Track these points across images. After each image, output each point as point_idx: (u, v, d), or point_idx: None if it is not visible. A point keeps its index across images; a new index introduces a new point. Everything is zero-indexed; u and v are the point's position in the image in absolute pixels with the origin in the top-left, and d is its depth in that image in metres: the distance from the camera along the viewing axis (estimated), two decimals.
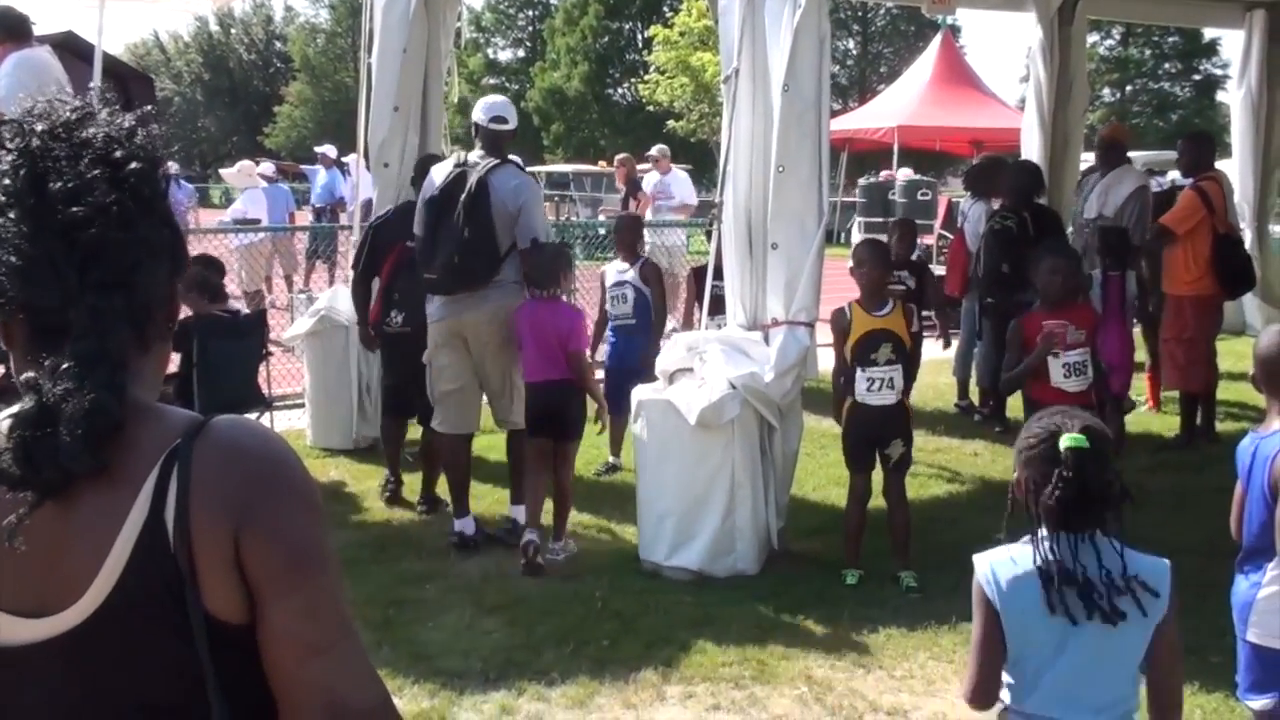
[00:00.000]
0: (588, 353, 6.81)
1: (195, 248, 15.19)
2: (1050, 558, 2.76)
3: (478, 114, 6.69)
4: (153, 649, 1.33)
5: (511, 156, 6.80)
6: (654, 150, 15.02)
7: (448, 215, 6.37)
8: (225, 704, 1.33)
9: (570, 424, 6.44)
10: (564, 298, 6.57)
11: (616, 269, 8.13)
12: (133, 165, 1.38)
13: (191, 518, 1.31)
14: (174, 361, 7.60)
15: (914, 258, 9.00)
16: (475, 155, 6.60)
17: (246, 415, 7.67)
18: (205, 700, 1.33)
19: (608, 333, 8.16)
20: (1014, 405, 8.48)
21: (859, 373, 5.96)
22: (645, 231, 8.92)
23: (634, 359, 7.71)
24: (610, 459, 8.18)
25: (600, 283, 8.26)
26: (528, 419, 6.53)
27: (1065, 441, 2.78)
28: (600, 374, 7.59)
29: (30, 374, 1.30)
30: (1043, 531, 2.79)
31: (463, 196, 6.33)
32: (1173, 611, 2.83)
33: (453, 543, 6.61)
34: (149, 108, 1.50)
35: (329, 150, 18.29)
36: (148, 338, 1.43)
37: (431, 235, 6.44)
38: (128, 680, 1.33)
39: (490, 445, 8.00)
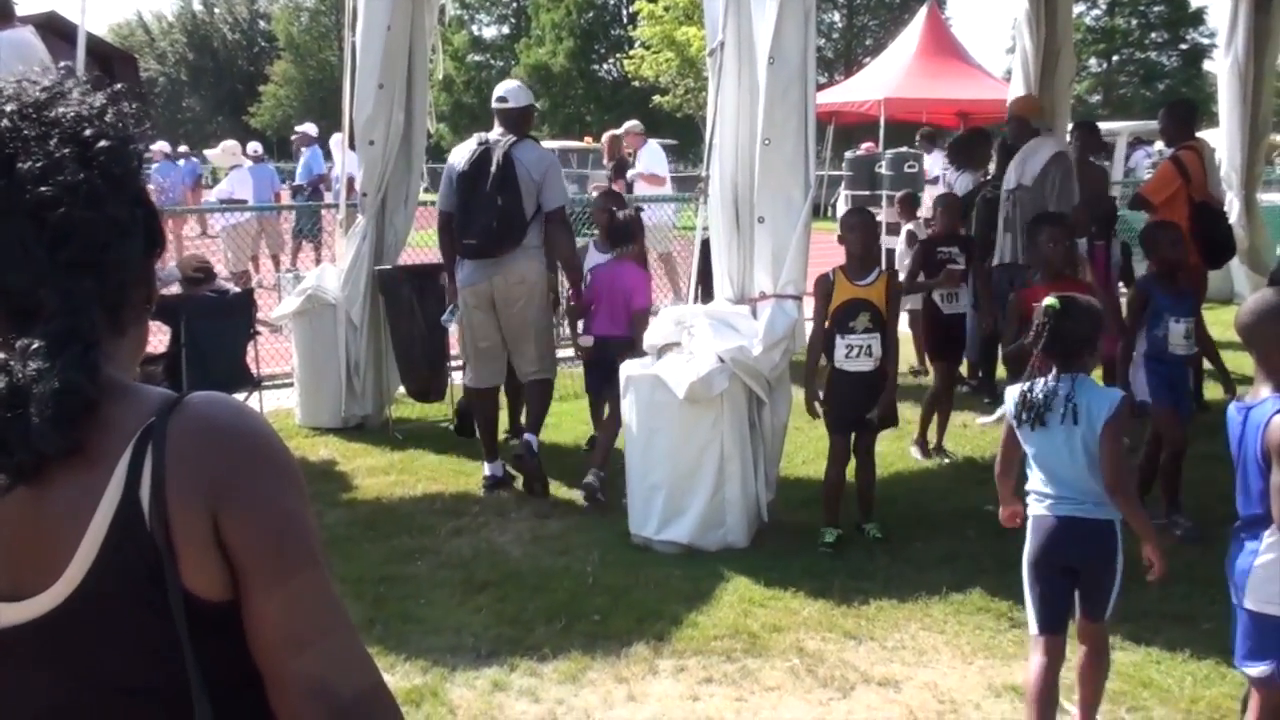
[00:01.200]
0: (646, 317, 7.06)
1: (183, 226, 15.18)
2: (1026, 388, 4.01)
3: (494, 99, 7.34)
4: (132, 630, 1.31)
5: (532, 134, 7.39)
6: (626, 126, 14.94)
7: (480, 187, 6.95)
8: (204, 683, 1.31)
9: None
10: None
11: (597, 252, 7.88)
12: (102, 143, 1.36)
13: (167, 496, 1.29)
14: (163, 342, 7.59)
15: (962, 233, 8.53)
16: (495, 134, 7.12)
17: (231, 394, 7.70)
18: (187, 680, 1.31)
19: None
20: (1003, 375, 8.50)
21: (838, 339, 6.07)
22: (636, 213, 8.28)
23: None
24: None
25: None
26: (585, 370, 7.69)
27: (1044, 302, 4.03)
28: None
29: (0, 355, 1.28)
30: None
31: (492, 169, 6.91)
32: (1114, 427, 3.86)
33: (486, 486, 7.22)
34: (123, 86, 1.47)
35: (309, 129, 18.23)
36: (122, 319, 1.41)
37: (465, 205, 7.02)
38: (108, 662, 1.32)
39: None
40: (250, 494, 1.33)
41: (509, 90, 7.33)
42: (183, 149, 23.09)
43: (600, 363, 7.21)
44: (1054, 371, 3.96)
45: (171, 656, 1.30)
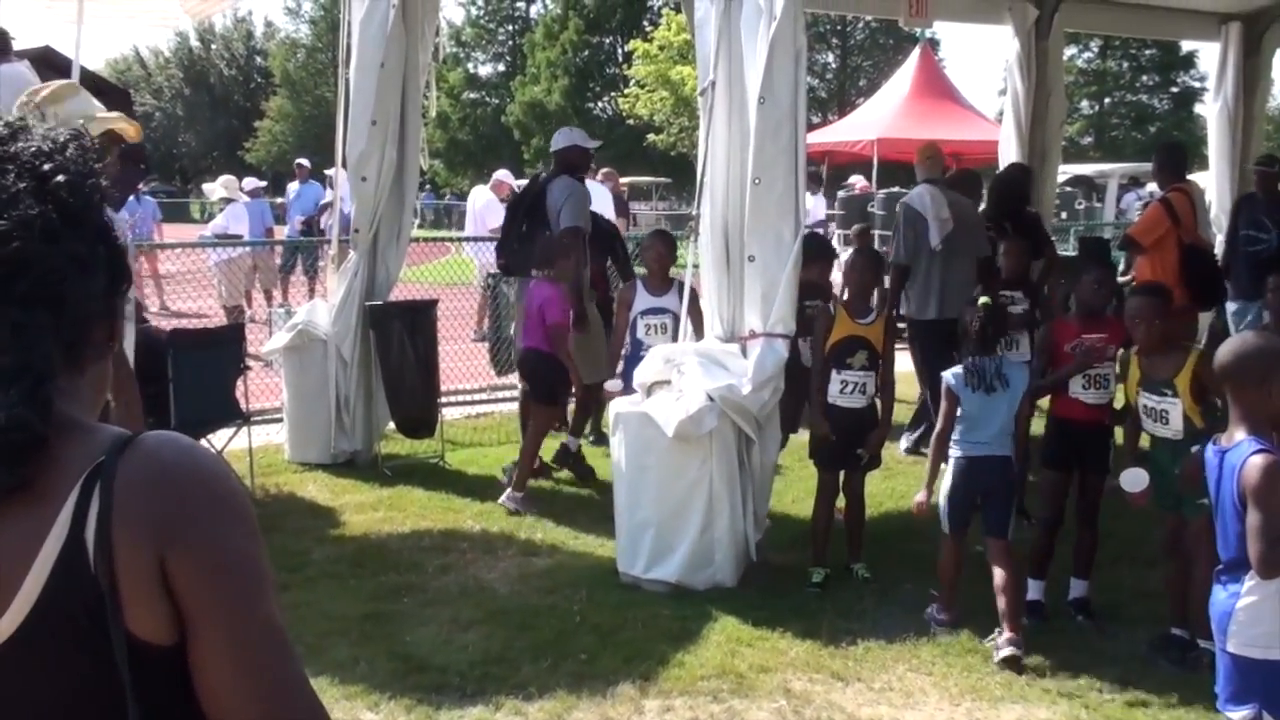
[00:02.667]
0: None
1: (176, 262, 15.20)
2: (970, 366, 5.47)
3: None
4: (74, 672, 1.29)
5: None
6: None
7: (517, 214, 8.52)
8: None
9: (538, 386, 7.84)
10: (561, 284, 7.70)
11: (647, 293, 7.58)
12: (60, 178, 1.35)
13: (113, 537, 1.27)
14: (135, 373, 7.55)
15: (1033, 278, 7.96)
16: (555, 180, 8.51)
17: (220, 428, 7.66)
18: None
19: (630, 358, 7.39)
20: None
21: (833, 374, 6.10)
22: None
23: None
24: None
25: (621, 306, 7.70)
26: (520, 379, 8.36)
27: (980, 300, 5.56)
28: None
29: None
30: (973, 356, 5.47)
31: (527, 200, 8.47)
32: (1025, 394, 5.55)
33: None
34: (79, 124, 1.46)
35: (304, 162, 18.44)
36: (82, 355, 1.39)
37: (505, 230, 8.73)
38: (50, 702, 1.29)
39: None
40: (198, 536, 1.31)
41: (562, 134, 8.80)
42: (146, 185, 23.09)
43: (527, 373, 8.00)
44: (994, 353, 5.49)
45: (114, 700, 1.28)
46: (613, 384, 7.18)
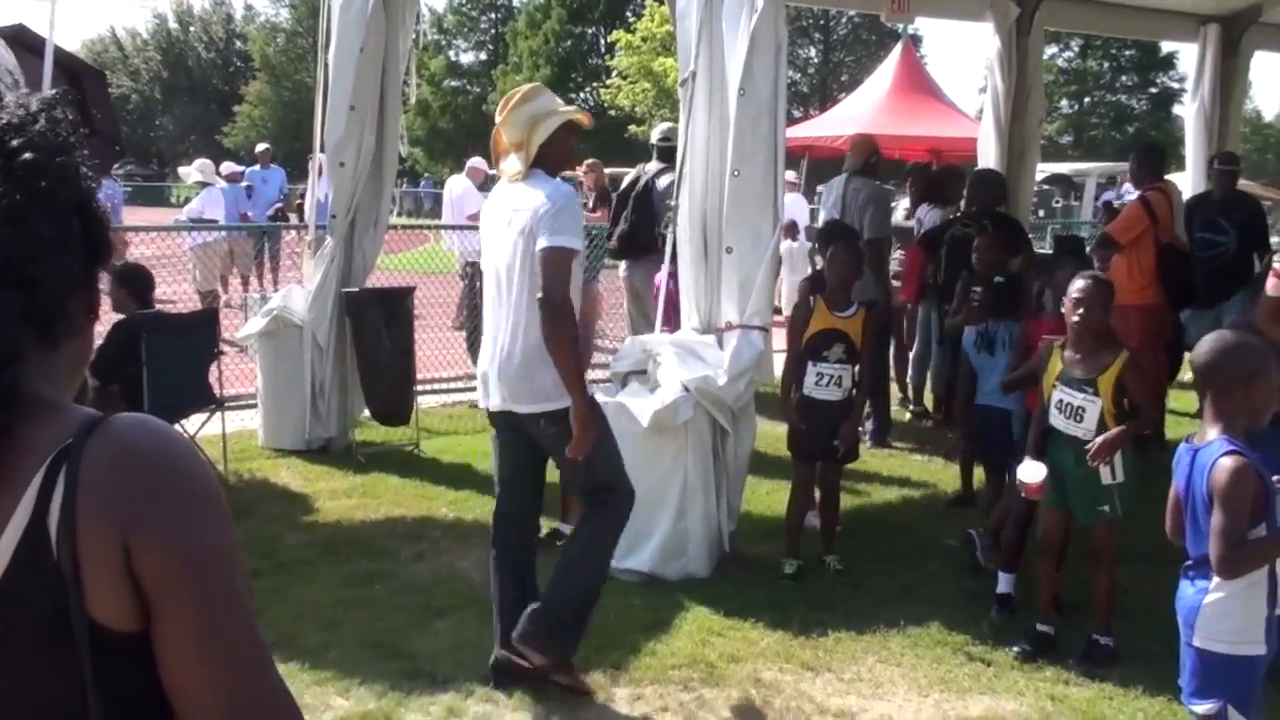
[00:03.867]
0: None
1: (150, 247, 15.12)
2: (980, 330, 6.37)
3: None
4: (35, 658, 1.27)
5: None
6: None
7: (625, 204, 9.72)
8: (108, 715, 1.28)
9: None
10: None
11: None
12: (26, 156, 1.32)
13: (77, 522, 1.25)
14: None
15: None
16: (652, 165, 9.73)
17: (193, 413, 7.64)
18: (89, 710, 1.28)
19: None
20: None
21: (809, 366, 6.12)
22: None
23: None
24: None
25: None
26: None
27: (995, 280, 6.50)
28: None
29: None
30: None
31: (635, 191, 9.60)
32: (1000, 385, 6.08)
33: None
34: (57, 97, 1.43)
35: (266, 146, 18.56)
36: (56, 332, 1.36)
37: (614, 218, 9.96)
38: (15, 688, 1.28)
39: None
40: (163, 522, 1.29)
41: (665, 131, 9.83)
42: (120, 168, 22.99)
43: None
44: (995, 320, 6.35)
45: (75, 686, 1.27)
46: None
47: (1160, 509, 3.81)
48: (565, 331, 4.50)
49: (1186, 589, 3.63)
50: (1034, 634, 5.28)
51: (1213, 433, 3.54)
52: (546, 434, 4.73)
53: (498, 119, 4.79)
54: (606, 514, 4.86)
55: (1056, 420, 5.17)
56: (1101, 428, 5.03)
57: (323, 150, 8.92)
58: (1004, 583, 5.75)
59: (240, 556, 1.36)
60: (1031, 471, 5.09)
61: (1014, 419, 6.16)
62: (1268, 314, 5.45)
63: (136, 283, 7.74)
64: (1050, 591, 5.38)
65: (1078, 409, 5.09)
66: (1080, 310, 5.06)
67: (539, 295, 4.49)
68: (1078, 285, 5.12)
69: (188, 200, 17.05)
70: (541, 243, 4.49)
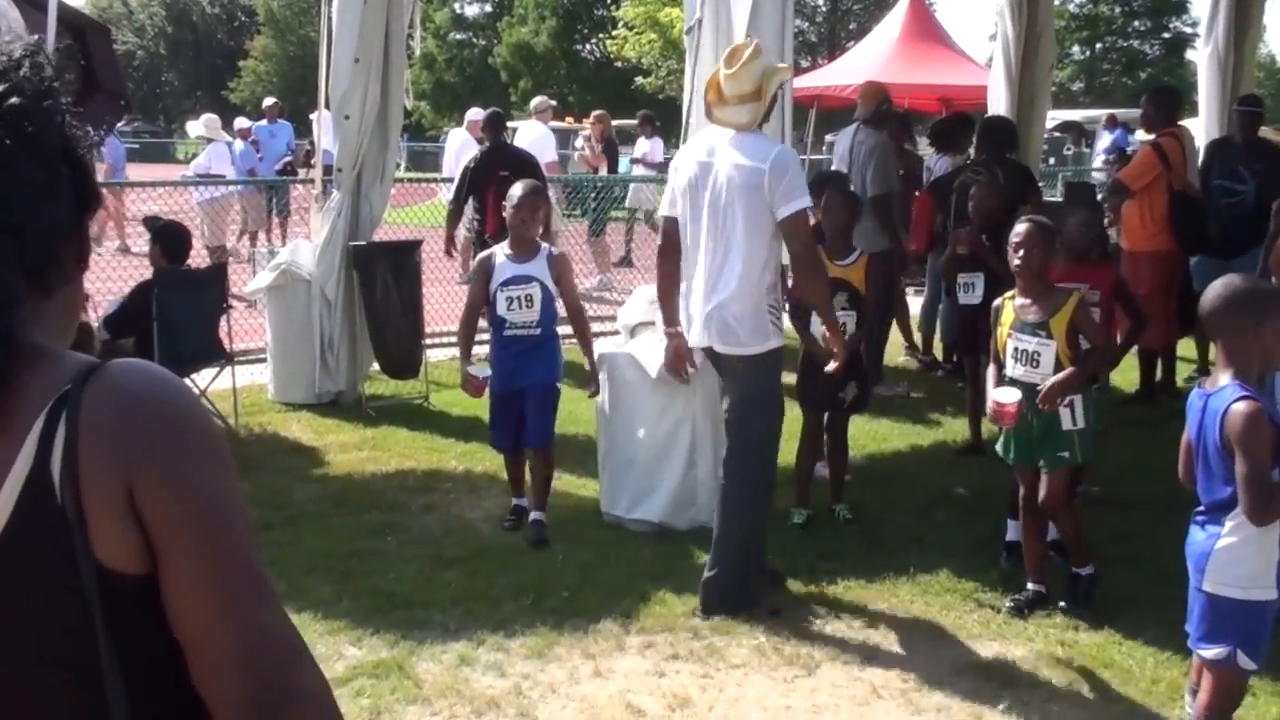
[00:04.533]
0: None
1: (158, 203, 15.11)
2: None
3: None
4: (43, 604, 1.27)
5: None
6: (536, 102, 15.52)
7: None
8: (117, 658, 1.28)
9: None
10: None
11: (508, 256, 6.03)
12: (13, 100, 1.30)
13: (80, 467, 1.25)
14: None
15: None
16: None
17: (203, 368, 7.66)
18: (100, 655, 1.28)
19: (493, 341, 6.17)
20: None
21: (814, 317, 6.05)
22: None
23: (539, 375, 6.03)
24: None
25: (479, 272, 6.09)
26: None
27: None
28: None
29: None
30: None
31: None
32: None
33: None
34: (45, 51, 1.41)
35: (274, 101, 18.54)
36: (48, 280, 1.35)
37: None
38: (19, 636, 1.28)
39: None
40: (166, 464, 1.29)
41: None
42: (128, 124, 22.93)
43: None
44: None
45: (84, 631, 1.27)
46: (477, 370, 6.11)
47: (1168, 457, 3.81)
48: (823, 287, 5.36)
49: (1197, 534, 3.64)
50: (1027, 592, 5.22)
51: (1224, 378, 3.53)
52: (739, 376, 5.16)
53: (724, 71, 5.06)
54: (754, 464, 5.19)
55: (1014, 370, 5.07)
56: (1058, 370, 4.97)
57: (328, 105, 8.88)
58: (1012, 530, 5.75)
59: (242, 498, 1.36)
60: (1005, 395, 4.99)
61: None
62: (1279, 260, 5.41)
63: (168, 239, 7.76)
64: (1038, 548, 5.26)
65: (1033, 354, 5.01)
66: (1020, 254, 5.00)
67: (795, 257, 5.14)
68: (1018, 229, 5.08)
69: (194, 156, 17.03)
70: (784, 210, 4.93)
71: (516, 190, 5.97)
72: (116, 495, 1.27)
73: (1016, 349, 5.06)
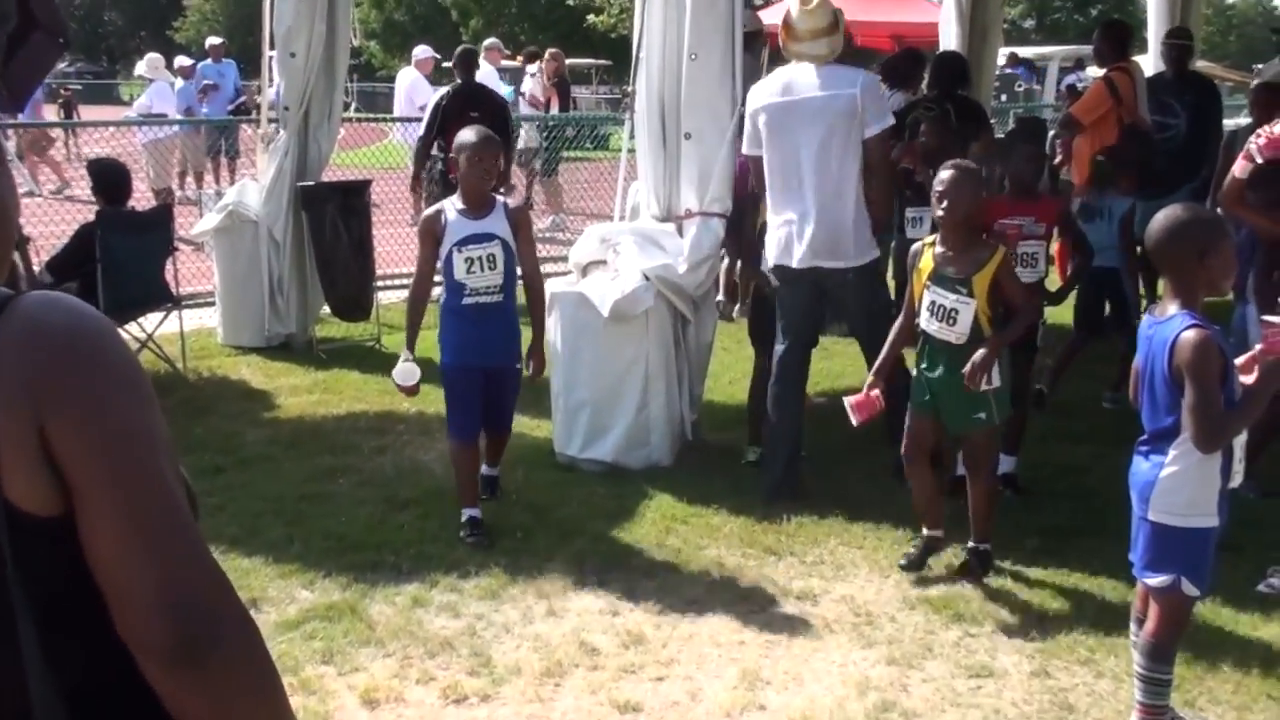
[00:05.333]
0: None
1: (103, 145, 14.84)
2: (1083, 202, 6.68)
3: None
4: None
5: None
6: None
7: None
8: (29, 601, 1.24)
9: None
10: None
11: (459, 212, 5.25)
12: None
13: None
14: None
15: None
16: None
17: (150, 311, 7.54)
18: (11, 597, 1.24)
19: (447, 310, 5.36)
20: None
21: (763, 254, 6.02)
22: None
23: (506, 351, 5.40)
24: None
25: (426, 233, 5.31)
26: None
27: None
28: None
29: None
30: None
31: None
32: None
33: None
34: None
35: (217, 40, 18.21)
36: None
37: None
38: None
39: None
40: (79, 400, 1.24)
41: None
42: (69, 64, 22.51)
43: None
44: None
45: None
46: (403, 375, 5.38)
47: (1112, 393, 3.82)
48: (891, 202, 6.08)
49: (1141, 464, 3.66)
50: (918, 541, 5.07)
51: (1172, 308, 3.53)
52: (850, 285, 5.59)
53: (800, 8, 5.53)
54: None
55: (929, 324, 4.80)
56: (976, 332, 4.71)
57: (272, 43, 8.71)
58: (1005, 464, 5.74)
59: (165, 437, 1.31)
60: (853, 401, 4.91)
61: (1121, 274, 6.89)
62: (1230, 195, 5.41)
63: (101, 176, 7.61)
64: (927, 496, 5.05)
65: (950, 311, 4.72)
66: (945, 202, 4.67)
67: (877, 171, 5.61)
68: (941, 176, 4.72)
69: (137, 97, 16.72)
70: (873, 129, 5.48)
71: (468, 136, 5.21)
72: (27, 433, 1.22)
73: (934, 303, 4.77)
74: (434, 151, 9.52)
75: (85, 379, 1.25)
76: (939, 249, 4.80)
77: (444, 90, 10.10)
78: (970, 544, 4.97)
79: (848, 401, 4.94)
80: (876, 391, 4.91)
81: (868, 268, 5.65)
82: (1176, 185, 8.27)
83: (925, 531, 5.06)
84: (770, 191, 5.67)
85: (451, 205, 5.27)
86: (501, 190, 6.33)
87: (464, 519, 5.31)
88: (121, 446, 1.26)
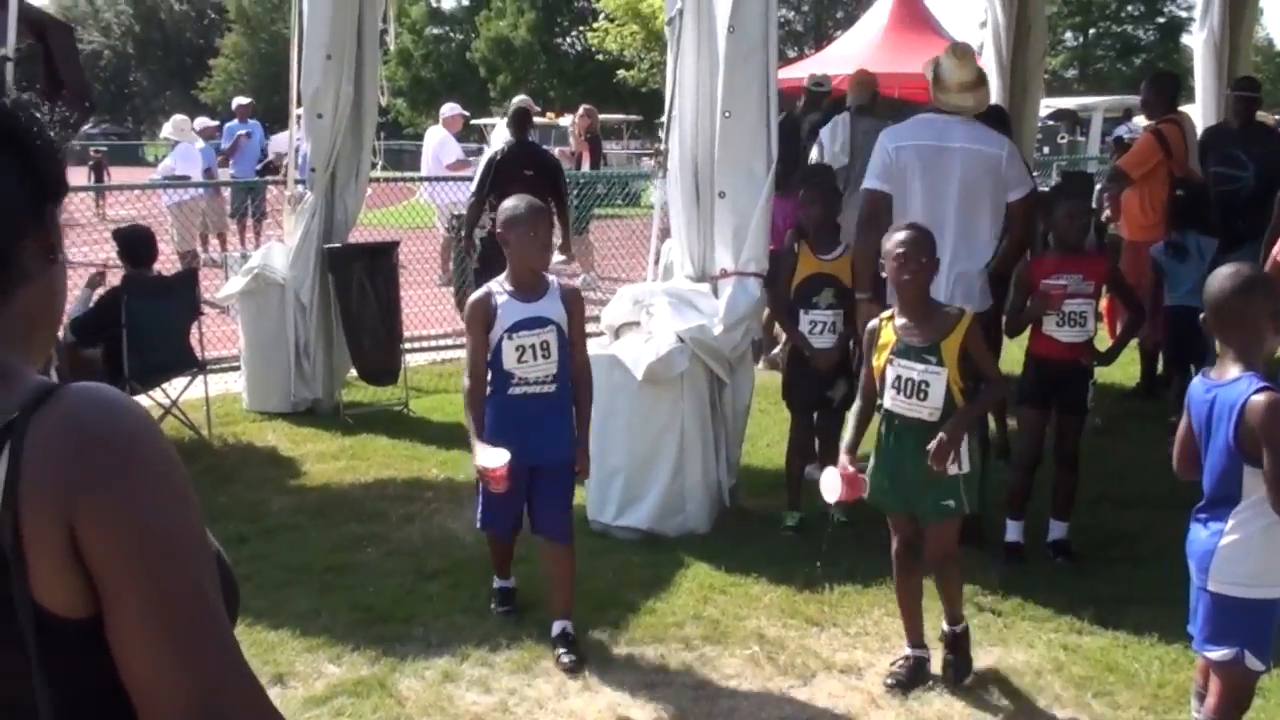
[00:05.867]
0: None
1: (127, 207, 15.05)
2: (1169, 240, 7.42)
3: None
4: None
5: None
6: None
7: None
8: (54, 705, 1.23)
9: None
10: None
11: (510, 294, 4.79)
12: None
13: (20, 502, 1.20)
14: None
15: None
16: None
17: (174, 377, 7.61)
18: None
19: (491, 401, 4.83)
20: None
21: (801, 315, 6.09)
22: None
23: (557, 448, 4.89)
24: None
25: (480, 314, 4.79)
26: None
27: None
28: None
29: None
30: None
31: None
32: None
33: None
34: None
35: (244, 100, 18.47)
36: (6, 280, 1.31)
37: None
38: None
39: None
40: (110, 503, 1.23)
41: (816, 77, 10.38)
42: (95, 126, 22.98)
43: None
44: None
45: (21, 675, 1.22)
46: (489, 458, 4.65)
47: (1170, 453, 3.79)
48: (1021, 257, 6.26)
49: (1199, 532, 3.61)
50: (902, 662, 4.67)
51: (1234, 370, 3.49)
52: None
53: (952, 60, 6.05)
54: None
55: (895, 403, 4.45)
56: (949, 404, 4.37)
57: (299, 103, 8.84)
58: (1012, 530, 5.75)
59: (201, 538, 1.30)
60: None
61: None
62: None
63: (125, 240, 7.74)
64: (915, 607, 4.71)
65: (919, 385, 4.38)
66: (911, 268, 4.37)
67: (1017, 232, 6.05)
68: (898, 239, 4.43)
69: (163, 158, 16.99)
70: (1017, 192, 5.88)
71: (517, 209, 4.70)
72: (58, 534, 1.21)
73: (899, 377, 4.41)
74: (487, 211, 9.51)
75: (118, 481, 1.24)
76: (899, 321, 4.48)
77: (497, 148, 10.14)
78: (945, 628, 4.66)
79: (826, 483, 4.50)
80: (852, 469, 4.50)
81: (985, 315, 5.81)
82: (1243, 240, 8.05)
83: (911, 651, 4.67)
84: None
85: (501, 286, 4.79)
86: (564, 260, 6.23)
87: (495, 587, 5.25)
88: (150, 548, 1.25)
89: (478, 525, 5.08)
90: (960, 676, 4.59)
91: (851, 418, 4.78)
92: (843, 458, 4.56)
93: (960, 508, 4.48)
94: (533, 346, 4.71)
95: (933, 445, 4.29)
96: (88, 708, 1.26)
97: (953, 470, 4.37)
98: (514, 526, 5.04)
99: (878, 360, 4.51)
